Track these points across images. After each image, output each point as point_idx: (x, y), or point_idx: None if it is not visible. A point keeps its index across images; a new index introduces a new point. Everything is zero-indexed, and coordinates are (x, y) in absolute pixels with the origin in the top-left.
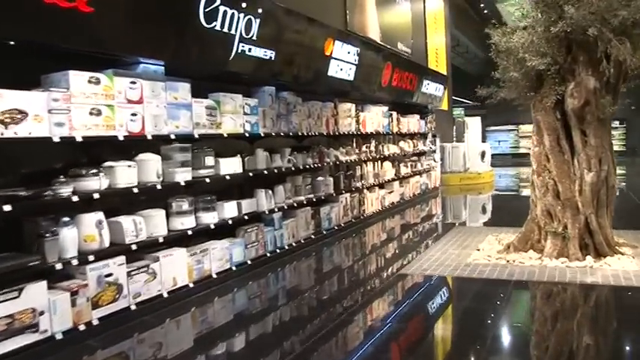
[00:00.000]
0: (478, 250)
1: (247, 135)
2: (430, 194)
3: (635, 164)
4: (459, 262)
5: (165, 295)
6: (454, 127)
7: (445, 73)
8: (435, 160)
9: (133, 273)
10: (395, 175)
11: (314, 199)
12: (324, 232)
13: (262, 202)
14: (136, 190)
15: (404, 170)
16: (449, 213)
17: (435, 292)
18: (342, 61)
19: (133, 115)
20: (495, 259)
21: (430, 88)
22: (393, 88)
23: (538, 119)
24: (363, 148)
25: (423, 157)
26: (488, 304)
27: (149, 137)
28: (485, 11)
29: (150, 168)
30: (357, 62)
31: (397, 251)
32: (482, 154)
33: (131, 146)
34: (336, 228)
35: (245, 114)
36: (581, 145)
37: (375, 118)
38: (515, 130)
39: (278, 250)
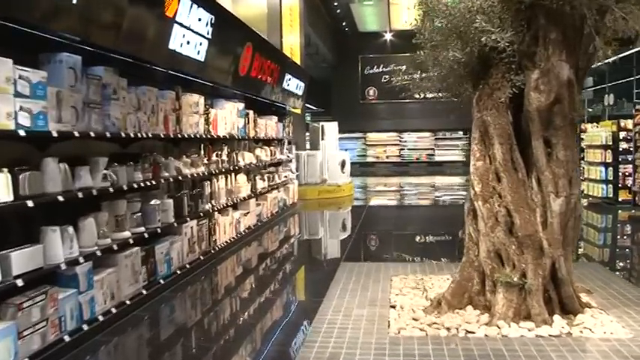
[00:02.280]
0: (394, 307)
1: (25, 133)
2: (289, 212)
3: None
4: (379, 338)
5: None
6: (308, 134)
7: None
8: (292, 171)
9: None
10: (251, 191)
11: (145, 234)
12: (162, 282)
13: (55, 250)
14: None
15: (260, 184)
16: (321, 240)
17: None
18: (191, 31)
19: None
20: (429, 326)
21: (292, 84)
22: (251, 80)
23: (486, 121)
24: (214, 157)
25: (280, 168)
26: None
27: None
28: (338, 11)
29: None
30: (210, 36)
31: (274, 313)
32: (343, 164)
33: None
34: (178, 272)
35: (19, 95)
36: (545, 160)
37: (230, 117)
38: (362, 137)
39: (86, 327)
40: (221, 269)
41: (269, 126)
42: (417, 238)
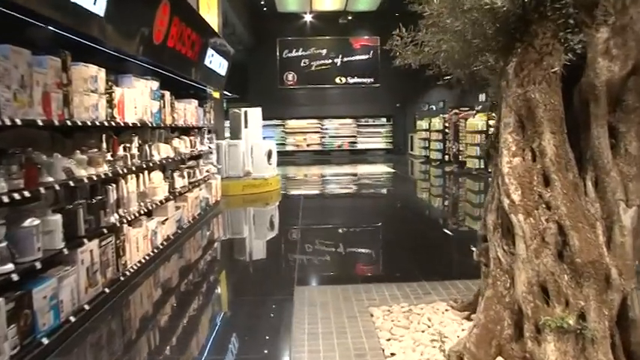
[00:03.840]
0: None
1: None
2: (212, 213)
3: (404, 163)
4: None
5: None
6: (228, 121)
7: None
8: (214, 165)
9: None
10: (169, 191)
11: (14, 274)
12: (45, 342)
13: None
14: None
15: (180, 183)
16: (260, 251)
17: None
18: None
19: None
20: None
21: (214, 62)
22: (168, 51)
23: (531, 100)
24: (121, 152)
25: (201, 161)
26: None
27: None
28: None
29: None
30: None
31: None
32: (269, 154)
33: None
34: (72, 320)
35: None
36: (610, 155)
37: (141, 99)
38: (281, 125)
39: None
40: (134, 303)
41: (188, 111)
42: (372, 241)
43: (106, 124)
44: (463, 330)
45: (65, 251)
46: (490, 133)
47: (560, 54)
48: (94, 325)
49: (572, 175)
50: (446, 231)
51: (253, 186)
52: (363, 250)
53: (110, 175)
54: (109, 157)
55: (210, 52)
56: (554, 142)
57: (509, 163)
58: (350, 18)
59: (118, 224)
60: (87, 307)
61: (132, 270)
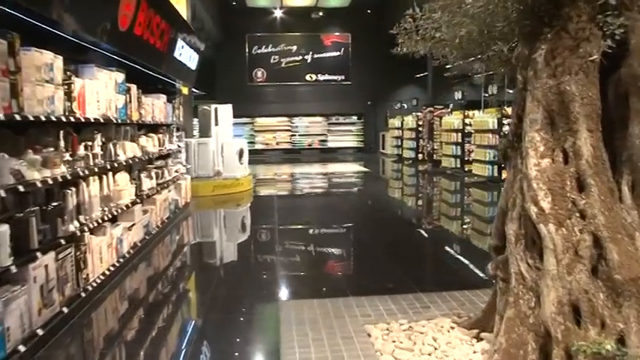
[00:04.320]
0: None
1: None
2: (182, 216)
3: (376, 161)
4: None
5: None
6: (197, 118)
7: None
8: (183, 165)
9: None
10: (136, 194)
11: None
12: None
13: None
14: None
15: (147, 184)
16: (236, 257)
17: None
18: None
19: None
20: None
21: (185, 54)
22: (135, 40)
23: (565, 93)
24: (81, 151)
25: (169, 161)
26: None
27: None
28: None
29: None
30: None
31: None
32: (240, 153)
33: None
34: (22, 350)
35: None
36: None
37: (104, 92)
38: (250, 123)
39: None
40: (97, 322)
41: (157, 107)
42: (357, 247)
43: (63, 119)
44: (475, 352)
45: (13, 269)
46: (506, 131)
47: (598, 40)
48: (49, 353)
49: (607, 179)
50: (433, 235)
51: (224, 186)
52: (347, 257)
53: (69, 177)
54: (67, 157)
55: (180, 43)
56: (591, 141)
57: (536, 165)
58: (321, 14)
59: (79, 233)
60: (40, 332)
61: (95, 284)
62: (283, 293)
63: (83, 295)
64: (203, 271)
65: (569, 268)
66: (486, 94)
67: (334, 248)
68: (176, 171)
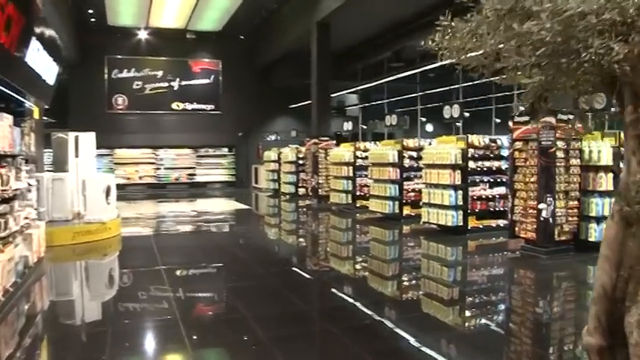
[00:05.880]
0: None
1: None
2: (34, 277)
3: (250, 197)
4: None
5: None
6: (52, 148)
7: None
8: (34, 208)
9: None
10: None
11: None
12: None
13: None
14: None
15: None
16: (112, 340)
17: None
18: None
19: None
20: None
21: (40, 60)
22: None
23: None
24: None
25: (16, 205)
26: None
27: None
28: None
29: None
30: None
31: None
32: (107, 191)
33: None
34: None
35: None
36: None
37: None
38: (109, 154)
39: None
40: None
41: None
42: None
43: None
44: None
45: None
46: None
47: None
48: None
49: None
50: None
51: (88, 232)
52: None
53: None
54: None
55: (35, 43)
56: None
57: None
58: (190, 37)
59: None
60: None
61: None
62: None
63: None
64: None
65: None
66: (387, 125)
67: (206, 305)
68: (25, 217)
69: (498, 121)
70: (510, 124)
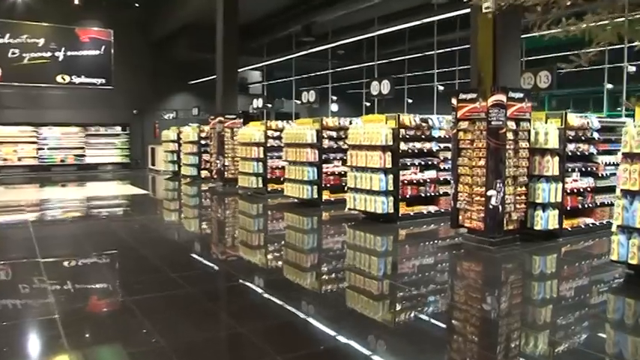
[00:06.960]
0: None
1: None
2: None
3: (147, 180)
4: None
5: None
6: None
7: None
8: None
9: None
10: None
11: None
12: None
13: None
14: None
15: None
16: None
17: None
18: None
19: None
20: None
21: None
22: None
23: None
24: None
25: None
26: None
27: None
28: None
29: None
30: None
31: None
32: None
33: None
34: None
35: None
36: None
37: None
38: None
39: None
40: None
41: None
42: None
43: None
44: None
45: None
46: None
47: None
48: None
49: None
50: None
51: None
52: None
53: None
54: None
55: None
56: None
57: None
58: (77, 1)
59: None
60: None
61: None
62: None
63: None
64: None
65: None
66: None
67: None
68: None
69: (410, 101)
70: (454, 101)
